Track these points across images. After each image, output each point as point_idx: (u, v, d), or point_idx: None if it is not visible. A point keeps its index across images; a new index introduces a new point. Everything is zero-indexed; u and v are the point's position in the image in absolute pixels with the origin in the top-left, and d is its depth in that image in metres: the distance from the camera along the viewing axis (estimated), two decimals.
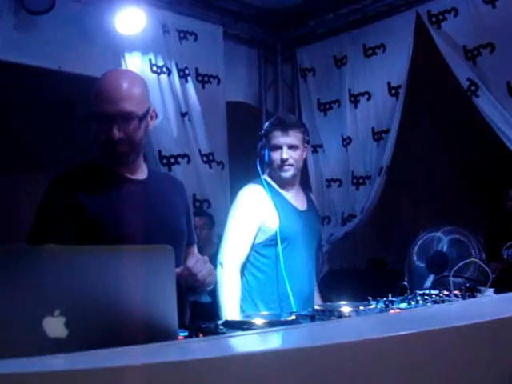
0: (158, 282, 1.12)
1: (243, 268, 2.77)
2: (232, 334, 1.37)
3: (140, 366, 0.86)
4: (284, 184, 2.86)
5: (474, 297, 2.13)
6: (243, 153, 5.51)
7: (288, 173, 2.82)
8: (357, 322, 1.59)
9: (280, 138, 2.79)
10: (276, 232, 2.74)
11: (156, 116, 2.04)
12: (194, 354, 1.04)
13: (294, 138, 2.81)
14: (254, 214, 2.77)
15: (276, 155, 2.80)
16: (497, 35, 4.25)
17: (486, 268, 2.43)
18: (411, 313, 1.78)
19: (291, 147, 2.80)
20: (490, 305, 1.89)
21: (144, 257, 1.15)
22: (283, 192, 2.86)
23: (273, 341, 1.27)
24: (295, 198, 2.90)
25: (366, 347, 1.08)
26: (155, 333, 1.10)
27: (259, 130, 2.94)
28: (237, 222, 2.80)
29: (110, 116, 1.87)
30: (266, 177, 2.86)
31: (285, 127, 2.80)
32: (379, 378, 1.08)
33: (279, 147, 2.80)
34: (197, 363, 0.92)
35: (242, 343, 1.24)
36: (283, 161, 2.79)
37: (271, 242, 2.76)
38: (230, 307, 2.61)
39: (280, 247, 2.73)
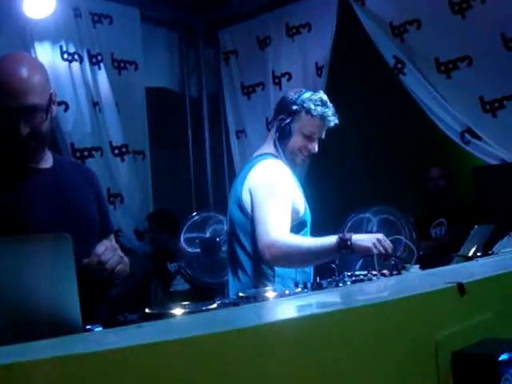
0: (57, 273, 1.05)
1: None
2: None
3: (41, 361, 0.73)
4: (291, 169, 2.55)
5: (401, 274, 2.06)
6: (167, 140, 5.31)
7: (303, 164, 2.59)
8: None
9: (319, 129, 2.47)
10: (300, 216, 2.42)
11: (56, 102, 1.89)
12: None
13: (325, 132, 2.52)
14: (289, 189, 2.41)
15: (305, 143, 2.46)
16: (422, 10, 4.18)
17: (412, 245, 2.39)
18: (336, 292, 1.68)
19: (319, 141, 2.52)
20: (414, 279, 1.84)
21: (40, 246, 1.06)
22: None
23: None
24: None
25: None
26: (58, 327, 1.01)
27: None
28: (277, 194, 2.36)
29: (14, 111, 1.73)
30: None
31: (328, 120, 2.46)
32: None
33: (312, 138, 2.47)
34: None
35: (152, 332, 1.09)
36: (310, 153, 2.49)
37: (294, 225, 2.39)
38: (317, 243, 2.26)
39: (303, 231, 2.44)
